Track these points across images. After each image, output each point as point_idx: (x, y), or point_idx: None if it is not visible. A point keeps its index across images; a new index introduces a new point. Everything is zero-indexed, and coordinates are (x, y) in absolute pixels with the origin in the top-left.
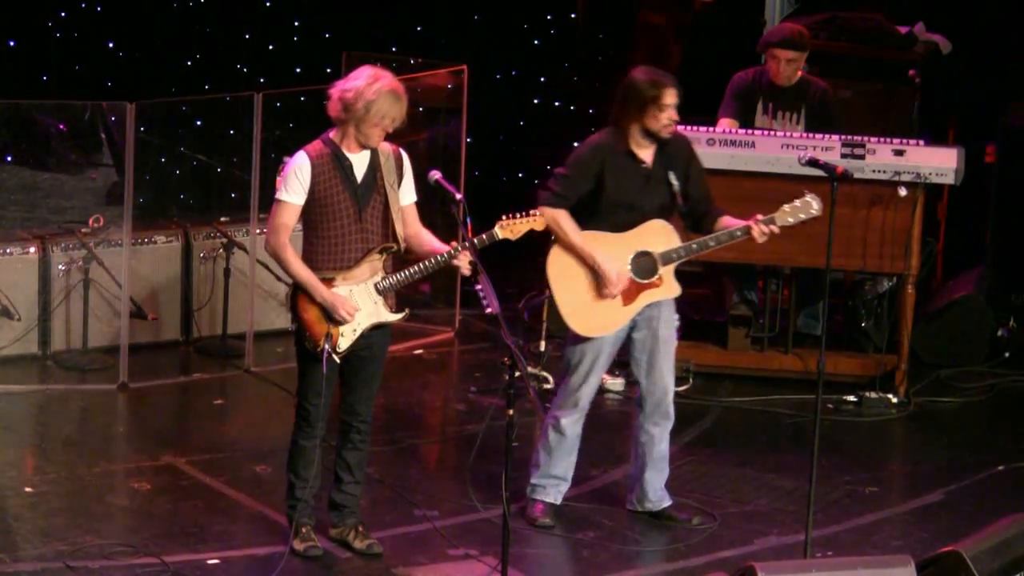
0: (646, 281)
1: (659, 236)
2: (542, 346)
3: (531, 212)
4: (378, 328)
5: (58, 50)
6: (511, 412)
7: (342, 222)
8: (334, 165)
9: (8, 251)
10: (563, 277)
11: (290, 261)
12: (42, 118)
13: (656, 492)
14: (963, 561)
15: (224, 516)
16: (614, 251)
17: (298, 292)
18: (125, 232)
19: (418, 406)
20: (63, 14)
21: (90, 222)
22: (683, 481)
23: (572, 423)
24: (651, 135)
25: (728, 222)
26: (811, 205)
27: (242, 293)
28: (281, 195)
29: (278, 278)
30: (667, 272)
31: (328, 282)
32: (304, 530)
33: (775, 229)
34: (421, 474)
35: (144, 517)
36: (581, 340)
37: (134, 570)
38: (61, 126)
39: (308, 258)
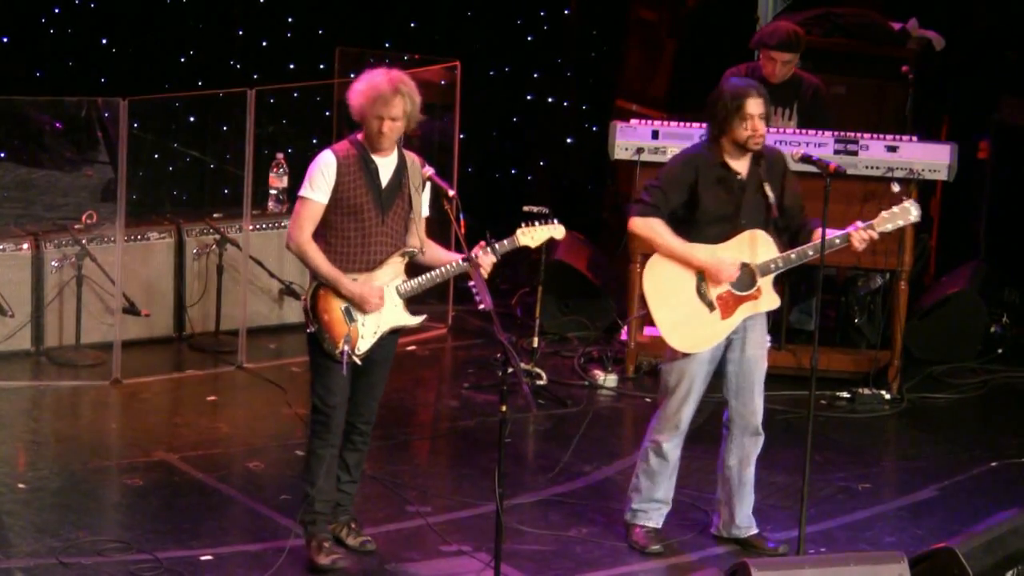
0: (745, 293)
1: (757, 246)
2: (535, 342)
3: (551, 220)
4: (394, 332)
5: (52, 46)
6: (504, 408)
7: (365, 224)
8: (360, 167)
9: (1, 248)
10: (660, 292)
11: (314, 257)
12: (36, 115)
13: (745, 518)
14: (956, 557)
15: (217, 512)
16: None
17: (317, 293)
18: (118, 228)
19: (411, 402)
20: (56, 10)
21: (83, 218)
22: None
23: (674, 447)
24: (740, 147)
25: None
26: (910, 212)
27: (235, 289)
28: (306, 192)
29: (271, 274)
30: (765, 283)
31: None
32: (327, 544)
33: (874, 235)
34: (414, 470)
35: (137, 513)
36: (678, 359)
37: (127, 566)
38: (58, 124)
39: (329, 258)
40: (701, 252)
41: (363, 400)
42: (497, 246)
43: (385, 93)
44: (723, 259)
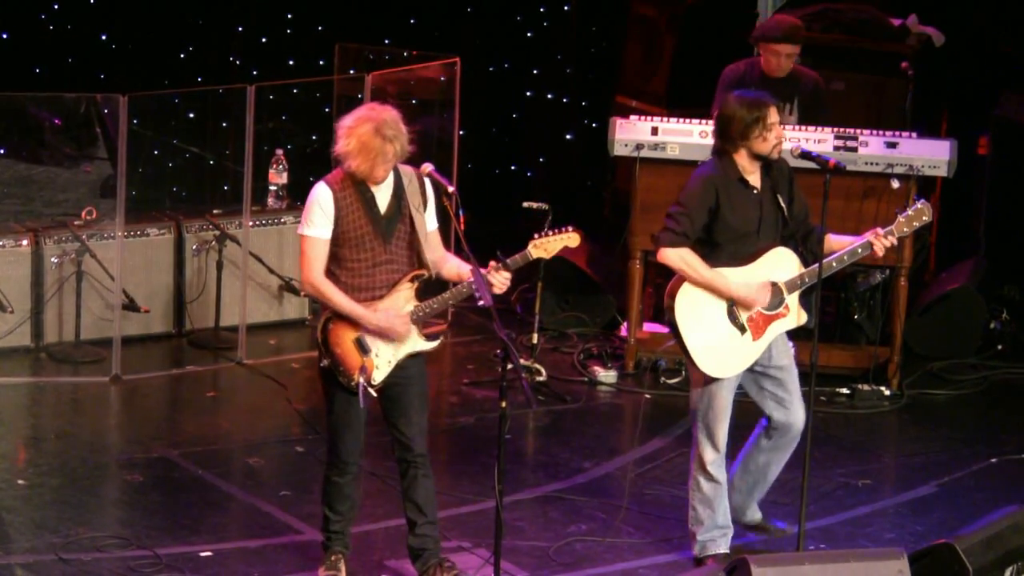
0: (774, 312)
1: (782, 264)
2: (535, 338)
3: (564, 228)
4: (413, 356)
5: (51, 42)
6: (504, 404)
7: (369, 254)
8: (357, 197)
9: (1, 244)
10: (692, 318)
11: (332, 295)
12: (36, 111)
13: (757, 507)
14: (956, 553)
15: (217, 508)
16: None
17: (328, 325)
18: (118, 224)
19: None
20: (56, 6)
21: (83, 214)
22: (677, 474)
23: (719, 467)
24: (759, 158)
25: (836, 240)
26: (923, 212)
27: (235, 285)
28: (306, 230)
29: (271, 271)
30: (792, 300)
31: None
32: (333, 558)
33: (894, 241)
34: None
35: (137, 509)
36: (707, 384)
37: (127, 562)
38: (56, 120)
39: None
40: (735, 285)
41: (408, 429)
42: (509, 262)
43: (380, 151)
44: (758, 287)
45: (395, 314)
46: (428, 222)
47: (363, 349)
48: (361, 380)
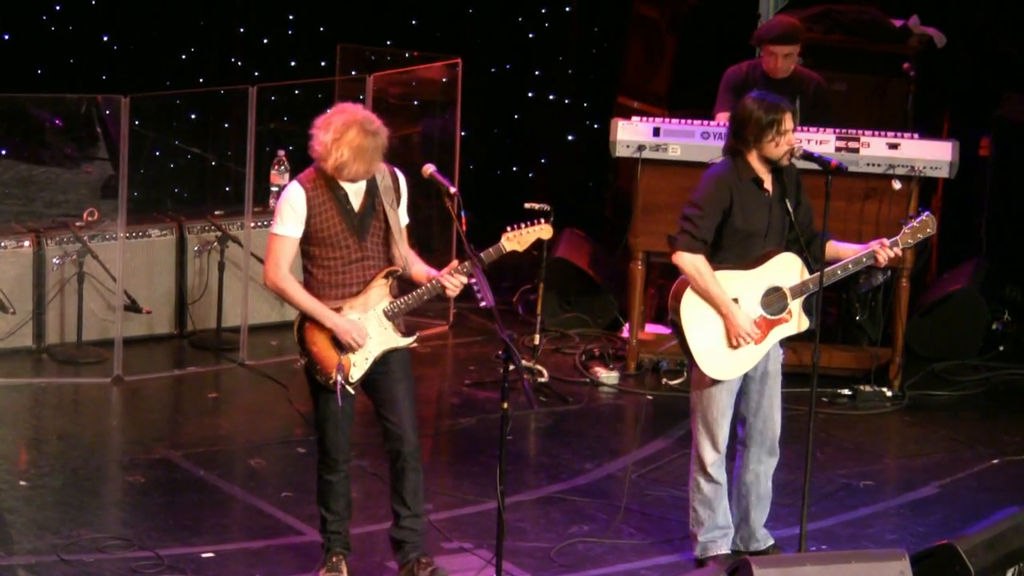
0: (777, 317)
1: (788, 269)
2: (536, 339)
3: (536, 221)
4: (392, 352)
5: (52, 43)
6: (505, 405)
7: (343, 252)
8: (330, 196)
9: (3, 245)
10: (697, 318)
11: (293, 292)
12: (37, 112)
13: (762, 531)
14: (958, 555)
15: (218, 509)
16: (745, 288)
17: (304, 324)
18: (120, 225)
19: None
20: (58, 7)
21: (84, 215)
22: (677, 475)
23: (719, 468)
24: (769, 162)
25: (840, 247)
26: (928, 224)
27: (236, 286)
28: (277, 228)
29: None
30: (796, 306)
31: (335, 311)
32: (334, 560)
33: (899, 252)
34: None
35: (138, 510)
36: (708, 386)
37: (128, 563)
38: (57, 121)
39: (311, 289)
40: (736, 311)
41: (397, 422)
42: (483, 255)
43: (373, 148)
44: (753, 322)
45: (353, 325)
46: (401, 217)
47: (340, 347)
48: (338, 378)
